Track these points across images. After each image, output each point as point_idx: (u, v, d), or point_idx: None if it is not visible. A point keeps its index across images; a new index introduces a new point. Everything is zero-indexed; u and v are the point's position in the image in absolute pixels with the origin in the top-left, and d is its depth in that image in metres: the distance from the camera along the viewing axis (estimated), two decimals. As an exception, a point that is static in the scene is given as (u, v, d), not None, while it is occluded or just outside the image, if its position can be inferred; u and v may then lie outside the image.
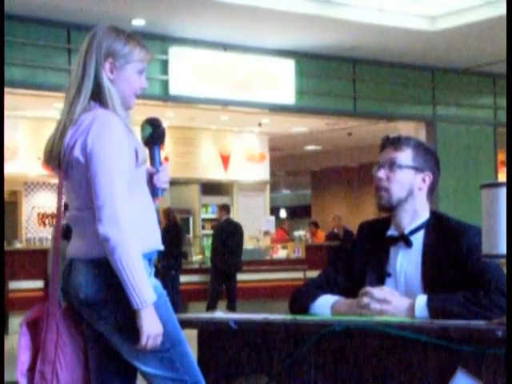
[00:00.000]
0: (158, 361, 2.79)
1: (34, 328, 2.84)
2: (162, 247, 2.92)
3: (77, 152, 2.76)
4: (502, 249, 2.47)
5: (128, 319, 2.75)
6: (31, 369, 2.82)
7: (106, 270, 2.75)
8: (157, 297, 2.77)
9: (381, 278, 3.03)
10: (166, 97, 11.29)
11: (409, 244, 3.03)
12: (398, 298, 2.89)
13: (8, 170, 12.42)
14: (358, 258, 3.11)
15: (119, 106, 2.84)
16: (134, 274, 2.68)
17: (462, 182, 12.80)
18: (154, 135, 2.97)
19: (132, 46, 2.89)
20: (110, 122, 2.77)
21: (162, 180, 2.98)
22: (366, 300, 2.87)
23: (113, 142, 2.75)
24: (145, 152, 2.91)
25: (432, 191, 3.11)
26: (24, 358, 2.83)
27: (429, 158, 3.10)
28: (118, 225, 2.69)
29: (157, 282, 2.85)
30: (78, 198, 2.84)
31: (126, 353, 2.81)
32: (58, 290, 2.85)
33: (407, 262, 3.03)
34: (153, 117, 3.02)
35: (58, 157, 2.82)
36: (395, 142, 3.08)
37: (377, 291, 2.88)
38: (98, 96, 2.84)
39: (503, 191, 2.49)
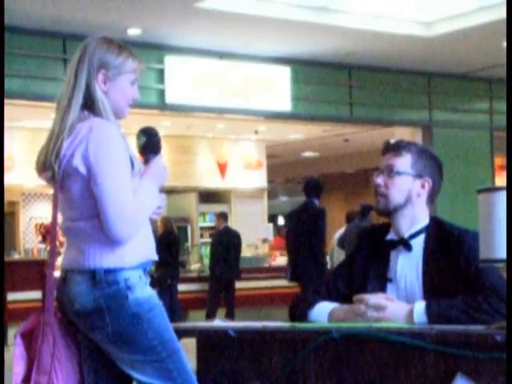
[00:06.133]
0: (154, 370, 2.79)
1: (29, 339, 2.84)
2: (156, 257, 2.92)
3: (76, 162, 2.76)
4: (499, 253, 2.46)
5: (123, 329, 2.75)
6: (26, 380, 2.82)
7: (100, 281, 2.75)
8: (153, 307, 2.78)
9: (382, 284, 3.03)
10: (162, 106, 11.28)
11: (409, 248, 3.04)
12: (396, 303, 2.89)
13: (5, 180, 12.42)
14: (358, 264, 3.11)
15: (112, 116, 2.85)
16: (148, 207, 2.84)
17: (459, 187, 12.79)
18: (148, 144, 2.96)
19: (124, 57, 2.89)
20: (108, 130, 2.78)
21: (154, 171, 2.91)
22: (362, 308, 2.87)
23: (114, 150, 2.76)
24: (140, 163, 2.91)
25: (432, 197, 3.11)
26: (18, 369, 2.82)
27: (430, 163, 3.09)
28: (130, 227, 2.74)
29: (153, 292, 2.85)
30: (72, 209, 2.83)
31: (122, 362, 2.81)
32: (53, 301, 2.85)
33: (407, 267, 3.03)
34: (148, 126, 3.02)
35: (52, 167, 2.81)
36: (395, 148, 3.09)
37: (372, 298, 2.88)
38: (91, 106, 2.84)
39: (500, 196, 2.49)
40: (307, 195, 9.90)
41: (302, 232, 9.74)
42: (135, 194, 2.78)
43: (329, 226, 17.66)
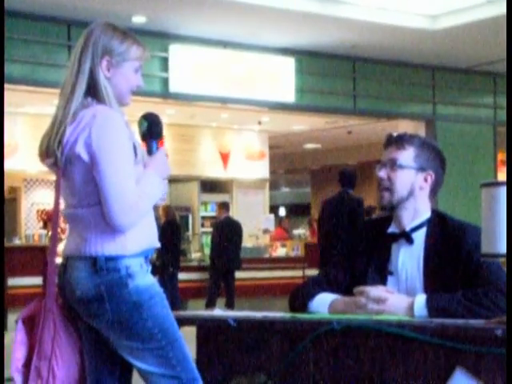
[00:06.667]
0: (154, 358, 2.79)
1: (30, 324, 2.84)
2: (158, 245, 2.92)
3: (79, 149, 2.75)
4: (501, 248, 2.46)
5: (123, 317, 2.75)
6: (26, 365, 2.82)
7: (101, 268, 2.75)
8: (153, 295, 2.78)
9: (383, 277, 3.03)
10: (165, 94, 11.27)
11: (410, 241, 3.03)
12: (396, 296, 2.89)
13: (7, 166, 12.41)
14: (359, 257, 3.11)
15: (115, 103, 2.85)
16: (151, 197, 2.82)
17: (462, 181, 12.79)
18: (150, 130, 2.95)
19: (129, 44, 2.88)
20: (111, 118, 2.77)
21: (158, 164, 2.90)
22: (362, 300, 2.87)
23: (118, 137, 2.75)
24: (143, 150, 2.91)
25: (435, 190, 3.11)
26: (19, 354, 2.82)
27: (432, 156, 3.09)
28: (132, 214, 2.73)
29: (154, 280, 2.85)
30: (75, 195, 2.83)
31: (122, 350, 2.81)
32: (55, 287, 2.85)
33: (409, 260, 3.03)
34: (149, 112, 3.01)
35: (54, 154, 2.81)
36: (398, 141, 3.08)
37: (373, 290, 2.88)
38: (94, 93, 2.83)
39: (503, 190, 2.49)
40: (342, 185, 10.12)
41: (341, 220, 9.93)
42: (138, 184, 2.78)
43: (330, 218, 17.56)
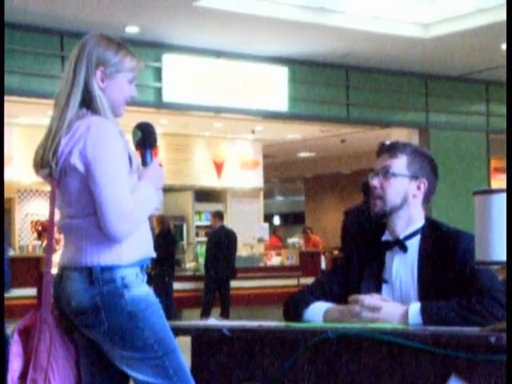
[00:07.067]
0: (150, 368, 2.78)
1: (26, 336, 2.83)
2: (154, 254, 2.92)
3: (74, 159, 2.76)
4: (495, 255, 2.47)
5: (119, 327, 2.75)
6: (22, 377, 2.81)
7: (97, 279, 2.75)
8: (149, 305, 2.78)
9: (377, 285, 3.03)
10: (159, 104, 11.29)
11: (404, 249, 3.04)
12: (391, 304, 2.90)
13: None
14: (354, 265, 3.11)
15: (110, 114, 2.85)
16: (146, 207, 2.83)
17: (455, 189, 12.82)
18: (144, 139, 2.96)
19: (123, 55, 2.89)
20: (106, 128, 2.78)
21: (152, 175, 2.91)
22: (357, 308, 2.87)
23: (113, 148, 2.76)
24: (138, 159, 2.91)
25: (428, 197, 3.12)
26: (15, 366, 2.81)
27: (425, 164, 3.10)
28: (127, 223, 2.74)
29: (149, 290, 2.85)
30: (70, 206, 2.83)
31: (118, 360, 2.81)
32: (51, 298, 2.85)
33: (403, 268, 3.03)
34: (143, 121, 3.02)
35: (49, 165, 2.81)
36: (390, 149, 3.09)
37: (367, 298, 2.89)
38: (89, 104, 2.84)
39: (496, 198, 2.49)
40: (365, 194, 10.29)
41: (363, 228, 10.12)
42: (133, 193, 2.78)
43: (324, 225, 17.63)
